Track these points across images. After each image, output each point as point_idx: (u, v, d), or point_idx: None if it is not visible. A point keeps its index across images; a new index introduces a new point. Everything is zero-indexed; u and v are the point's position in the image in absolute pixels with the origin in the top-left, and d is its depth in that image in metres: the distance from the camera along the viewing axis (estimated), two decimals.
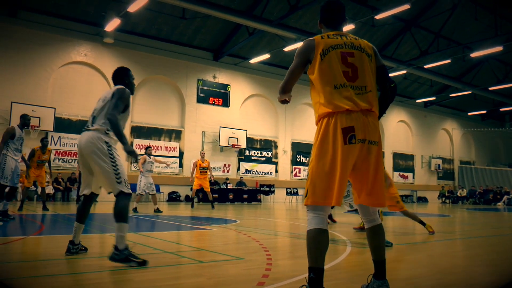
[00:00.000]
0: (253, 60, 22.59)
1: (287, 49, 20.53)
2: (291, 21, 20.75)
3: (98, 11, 18.78)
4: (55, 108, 18.34)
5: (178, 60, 21.99)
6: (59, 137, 18.76)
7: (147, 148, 13.21)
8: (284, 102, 3.09)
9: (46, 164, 11.60)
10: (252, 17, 19.23)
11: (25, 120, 8.90)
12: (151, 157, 13.00)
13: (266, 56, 22.04)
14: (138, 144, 20.59)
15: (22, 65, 18.06)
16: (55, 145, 18.60)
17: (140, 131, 20.86)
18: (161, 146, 21.32)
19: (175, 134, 21.95)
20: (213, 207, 15.00)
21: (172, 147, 21.75)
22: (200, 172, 14.62)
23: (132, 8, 16.56)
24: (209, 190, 14.79)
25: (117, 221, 4.10)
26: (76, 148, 18.61)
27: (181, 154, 21.91)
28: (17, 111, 16.66)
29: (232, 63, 23.74)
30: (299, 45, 4.01)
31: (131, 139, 20.52)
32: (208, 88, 23.03)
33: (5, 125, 16.48)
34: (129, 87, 4.62)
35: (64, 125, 18.89)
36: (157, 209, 12.30)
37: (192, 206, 15.12)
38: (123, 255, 4.01)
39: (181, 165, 21.83)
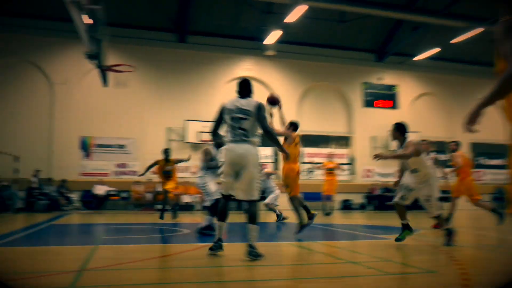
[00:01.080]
0: (420, 57, 21.46)
1: (456, 40, 19.04)
2: (459, 8, 19.03)
3: (258, 26, 19.83)
4: None
5: (341, 65, 21.99)
6: None
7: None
8: (473, 129, 2.43)
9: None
10: (415, 10, 18.26)
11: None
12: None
13: (434, 51, 20.70)
14: (308, 153, 21.03)
15: (192, 85, 20.01)
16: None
17: (308, 140, 21.26)
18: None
19: (344, 141, 21.90)
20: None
21: (342, 154, 21.72)
22: (328, 173, 14.48)
23: (290, 19, 17.17)
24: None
25: (250, 223, 4.96)
26: None
27: (351, 161, 21.75)
28: (190, 128, 18.91)
29: (397, 62, 22.81)
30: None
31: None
32: (373, 91, 22.54)
33: (181, 142, 18.91)
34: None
35: None
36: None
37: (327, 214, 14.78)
38: (255, 252, 4.87)
39: (352, 172, 21.66)
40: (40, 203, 16.32)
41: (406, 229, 6.50)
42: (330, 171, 14.79)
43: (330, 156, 15.15)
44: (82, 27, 12.21)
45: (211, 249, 5.12)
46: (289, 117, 20.16)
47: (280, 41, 19.57)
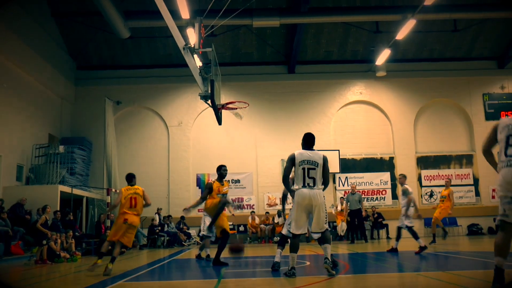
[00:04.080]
0: None
1: None
2: None
3: (367, 48, 20.32)
4: (339, 150, 20.35)
5: (457, 78, 21.56)
6: (346, 177, 20.63)
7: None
8: None
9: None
10: None
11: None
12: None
13: None
14: (426, 175, 20.79)
15: (304, 114, 20.97)
16: (343, 185, 20.51)
17: (426, 161, 21.03)
18: (452, 175, 20.91)
19: (466, 160, 21.26)
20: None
21: (465, 175, 21.09)
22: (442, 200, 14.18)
23: (400, 35, 17.40)
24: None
25: (324, 243, 6.64)
26: (363, 186, 20.32)
27: (475, 181, 21.01)
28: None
29: None
30: None
31: (418, 171, 20.87)
32: (496, 102, 21.69)
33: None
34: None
35: (349, 165, 20.72)
36: (208, 255, 10.45)
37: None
38: (331, 263, 6.59)
39: (477, 194, 20.90)
40: (162, 240, 17.96)
41: None
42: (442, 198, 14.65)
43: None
44: (196, 70, 13.74)
45: (286, 274, 6.52)
46: (405, 138, 20.24)
47: (390, 60, 19.82)
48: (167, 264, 10.52)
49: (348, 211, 16.79)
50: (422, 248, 10.29)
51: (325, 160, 6.73)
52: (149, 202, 8.67)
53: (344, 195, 19.38)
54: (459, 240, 17.05)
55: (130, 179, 8.91)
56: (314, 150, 6.85)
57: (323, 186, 6.69)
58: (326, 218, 6.77)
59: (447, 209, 14.21)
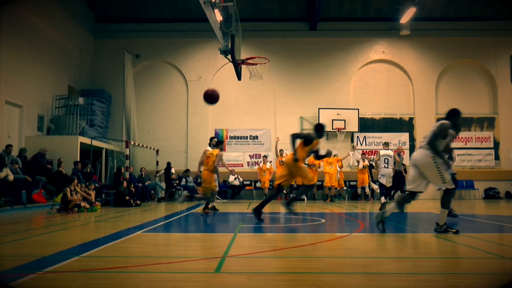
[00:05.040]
0: None
1: None
2: None
3: (392, 5, 19.75)
4: (358, 109, 20.18)
5: (483, 38, 20.99)
6: (364, 136, 20.54)
7: (211, 139, 12.25)
8: None
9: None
10: None
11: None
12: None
13: None
14: None
15: (325, 73, 20.76)
16: (361, 144, 20.45)
17: None
18: (471, 138, 20.72)
19: (487, 123, 20.95)
20: None
21: (485, 138, 20.84)
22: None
23: None
24: None
25: (441, 207, 6.72)
26: (381, 146, 20.16)
27: (496, 145, 20.77)
28: (323, 116, 19.59)
29: None
30: None
31: None
32: None
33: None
34: (454, 126, 6.97)
35: (367, 124, 20.57)
36: (214, 207, 11.51)
37: None
38: (442, 228, 6.69)
39: (497, 157, 20.71)
40: (179, 193, 18.24)
41: None
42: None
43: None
44: (216, 24, 13.59)
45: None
46: (426, 99, 19.93)
47: (415, 18, 19.30)
48: (185, 218, 10.73)
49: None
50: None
51: (438, 125, 6.89)
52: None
53: (356, 154, 19.29)
54: (475, 203, 17.02)
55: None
56: (442, 121, 6.98)
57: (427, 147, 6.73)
58: (442, 176, 6.56)
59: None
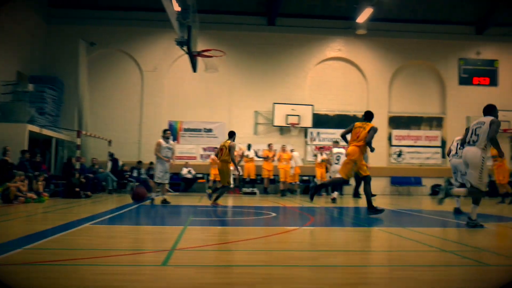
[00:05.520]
0: None
1: None
2: None
3: (350, 4, 20.02)
4: (313, 105, 20.42)
5: (436, 41, 21.62)
6: (318, 132, 20.82)
7: (164, 131, 12.39)
8: None
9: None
10: None
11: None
12: (170, 142, 12.22)
13: None
14: (397, 135, 21.15)
15: (281, 68, 20.88)
16: (315, 140, 20.72)
17: (398, 121, 21.35)
18: (421, 136, 21.38)
19: (436, 122, 21.66)
20: None
21: (433, 136, 21.56)
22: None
23: None
24: None
25: (472, 203, 7.16)
26: (329, 142, 20.52)
27: (443, 143, 21.50)
28: (278, 111, 19.84)
29: (499, 34, 21.83)
30: None
31: (389, 130, 21.18)
32: (471, 67, 21.97)
33: (268, 125, 20.02)
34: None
35: (322, 120, 20.85)
36: (165, 200, 11.90)
37: None
38: (473, 223, 7.06)
39: (444, 156, 21.42)
40: (131, 185, 17.82)
41: None
42: None
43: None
44: (173, 15, 13.38)
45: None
46: (379, 98, 20.33)
47: (372, 18, 19.69)
48: (136, 210, 10.57)
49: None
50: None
51: (492, 122, 7.07)
52: None
53: (316, 150, 19.66)
54: (422, 199, 17.60)
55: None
56: (493, 118, 7.17)
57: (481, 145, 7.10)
58: (480, 176, 7.02)
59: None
